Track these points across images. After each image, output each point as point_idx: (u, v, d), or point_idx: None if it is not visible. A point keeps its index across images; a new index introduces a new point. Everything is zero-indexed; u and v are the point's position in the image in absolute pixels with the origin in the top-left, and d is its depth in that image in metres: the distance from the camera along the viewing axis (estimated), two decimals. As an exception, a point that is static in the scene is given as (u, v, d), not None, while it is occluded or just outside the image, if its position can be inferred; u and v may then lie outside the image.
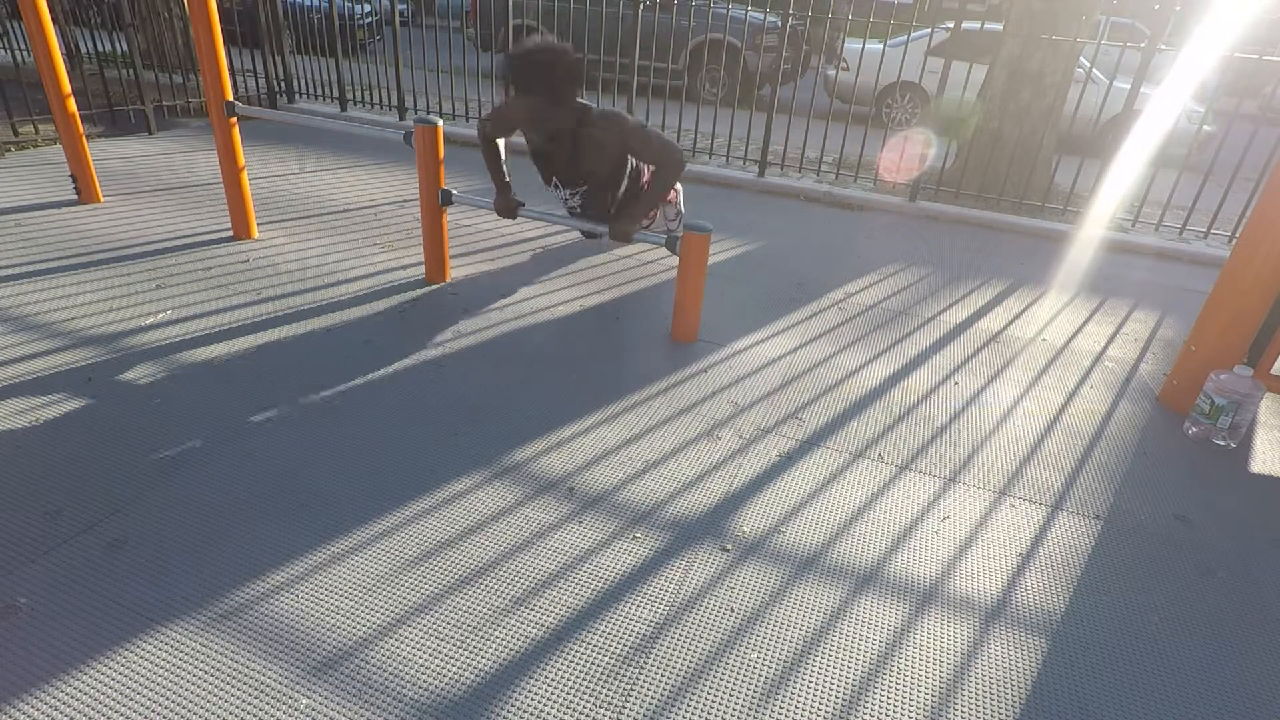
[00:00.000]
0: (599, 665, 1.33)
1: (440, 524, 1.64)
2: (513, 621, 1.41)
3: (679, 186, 3.50)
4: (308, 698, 1.23)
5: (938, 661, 1.40)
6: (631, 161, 2.90)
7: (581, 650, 1.36)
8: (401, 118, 5.62)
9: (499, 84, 7.03)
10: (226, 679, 1.25)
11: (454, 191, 2.77)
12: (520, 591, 1.48)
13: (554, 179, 2.87)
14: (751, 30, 7.86)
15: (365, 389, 2.14)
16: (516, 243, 3.45)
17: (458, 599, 1.45)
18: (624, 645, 1.38)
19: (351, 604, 1.42)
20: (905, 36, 8.02)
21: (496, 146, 2.79)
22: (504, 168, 2.79)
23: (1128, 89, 4.25)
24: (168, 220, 3.34)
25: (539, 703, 1.25)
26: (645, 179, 3.03)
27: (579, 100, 2.60)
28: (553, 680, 1.30)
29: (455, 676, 1.29)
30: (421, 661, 1.31)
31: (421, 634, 1.37)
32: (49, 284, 2.62)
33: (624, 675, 1.32)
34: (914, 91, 7.72)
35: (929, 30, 7.52)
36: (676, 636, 1.41)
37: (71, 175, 3.38)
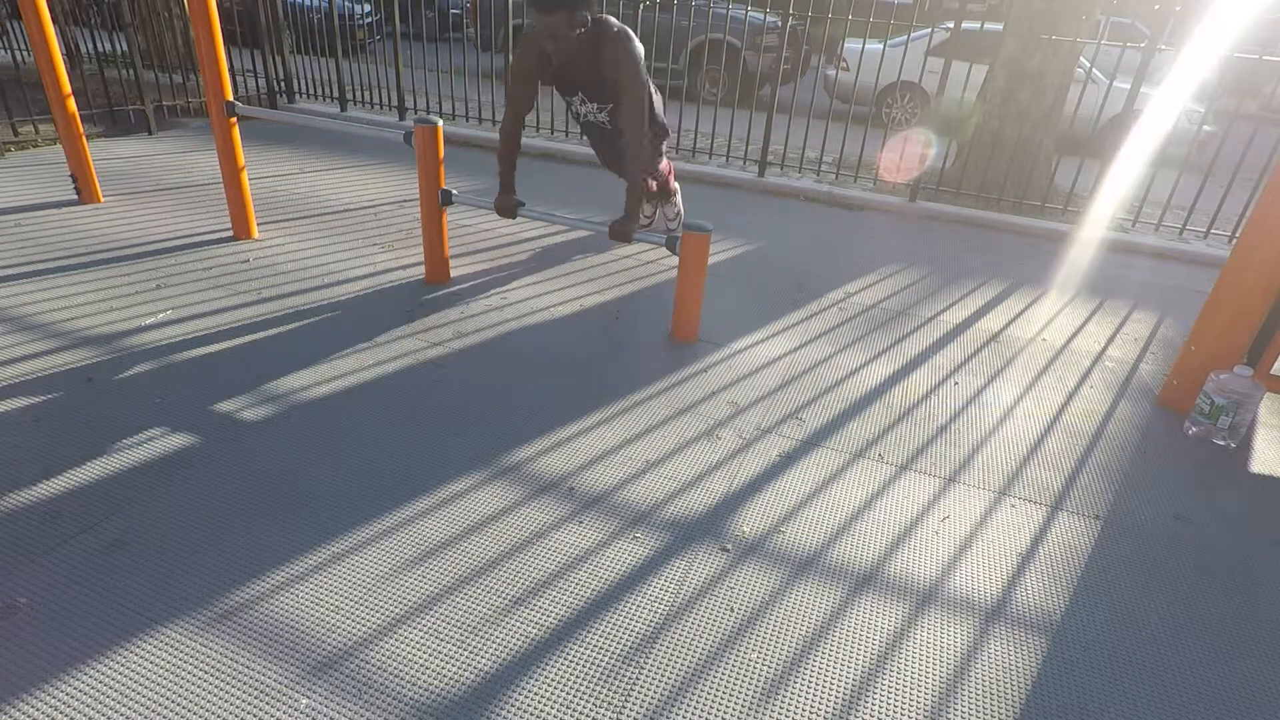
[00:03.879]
0: (599, 665, 1.33)
1: (440, 524, 1.64)
2: (513, 621, 1.41)
3: (677, 185, 3.50)
4: (308, 698, 1.23)
5: (938, 661, 1.40)
6: (650, 96, 2.85)
7: (581, 650, 1.36)
8: (401, 118, 5.62)
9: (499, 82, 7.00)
10: (226, 679, 1.25)
11: (454, 191, 2.77)
12: (520, 591, 1.48)
13: (578, 93, 2.83)
14: (751, 30, 7.86)
15: (365, 389, 2.14)
16: (516, 243, 3.45)
17: (458, 599, 1.45)
18: (624, 645, 1.38)
19: (351, 604, 1.42)
20: (905, 36, 8.02)
21: (517, 142, 2.74)
22: (513, 171, 2.76)
23: (1128, 89, 4.25)
24: (168, 220, 3.34)
25: (539, 703, 1.25)
26: (658, 133, 3.01)
27: (597, 14, 2.55)
28: (553, 680, 1.30)
29: (455, 676, 1.29)
30: (421, 661, 1.31)
31: (421, 634, 1.37)
32: (49, 284, 2.62)
33: (624, 675, 1.32)
34: (914, 91, 7.72)
35: (929, 30, 7.52)
36: (676, 636, 1.41)
37: (71, 175, 3.38)
